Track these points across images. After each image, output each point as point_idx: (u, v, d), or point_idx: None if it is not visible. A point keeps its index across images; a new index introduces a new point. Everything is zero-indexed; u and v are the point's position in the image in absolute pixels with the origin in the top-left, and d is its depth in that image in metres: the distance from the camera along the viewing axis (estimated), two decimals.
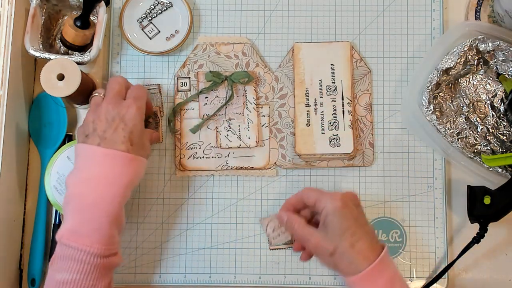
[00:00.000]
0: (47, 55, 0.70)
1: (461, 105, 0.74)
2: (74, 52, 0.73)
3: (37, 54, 0.70)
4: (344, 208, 0.62)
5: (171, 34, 0.76)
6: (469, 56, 0.72)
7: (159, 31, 0.76)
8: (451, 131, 0.73)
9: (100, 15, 0.71)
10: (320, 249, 0.61)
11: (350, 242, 0.60)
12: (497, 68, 0.73)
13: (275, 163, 0.74)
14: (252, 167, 0.74)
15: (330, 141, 0.73)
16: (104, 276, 0.60)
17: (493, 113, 0.74)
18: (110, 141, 0.62)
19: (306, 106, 0.74)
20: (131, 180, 0.62)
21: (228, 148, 0.74)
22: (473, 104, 0.74)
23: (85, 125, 0.64)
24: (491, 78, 0.74)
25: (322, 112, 0.74)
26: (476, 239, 0.68)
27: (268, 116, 0.75)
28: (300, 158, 0.74)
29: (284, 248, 0.73)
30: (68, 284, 0.58)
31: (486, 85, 0.74)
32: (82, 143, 0.63)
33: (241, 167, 0.74)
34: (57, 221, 0.73)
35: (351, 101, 0.74)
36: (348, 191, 0.65)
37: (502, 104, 0.74)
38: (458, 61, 0.72)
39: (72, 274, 0.58)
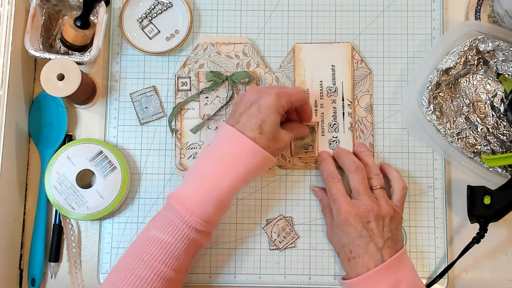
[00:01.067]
0: (47, 55, 0.70)
1: (461, 105, 0.74)
2: (74, 52, 0.73)
3: (37, 54, 0.70)
4: (346, 225, 0.65)
5: (171, 34, 0.76)
6: (469, 56, 0.72)
7: (159, 31, 0.76)
8: (451, 131, 0.73)
9: (100, 15, 0.71)
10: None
11: (347, 257, 0.65)
12: (497, 68, 0.73)
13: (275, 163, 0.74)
14: None
15: (330, 144, 0.74)
16: (190, 251, 0.61)
17: (493, 113, 0.74)
18: (242, 125, 0.62)
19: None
20: (249, 170, 0.62)
21: None
22: (473, 104, 0.74)
23: (233, 106, 0.66)
24: (491, 78, 0.74)
25: (322, 113, 0.74)
26: (476, 239, 0.68)
27: None
28: (300, 159, 0.74)
29: (291, 248, 0.73)
30: (158, 243, 0.60)
31: (486, 85, 0.74)
32: (224, 121, 0.65)
33: None
34: (57, 221, 0.73)
35: (351, 102, 0.74)
36: (366, 203, 0.65)
37: (502, 104, 0.74)
38: (458, 61, 0.72)
39: (165, 235, 0.60)
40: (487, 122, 0.74)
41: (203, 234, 0.62)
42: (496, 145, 0.73)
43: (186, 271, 0.64)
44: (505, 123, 0.73)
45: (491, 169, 0.70)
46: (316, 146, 0.73)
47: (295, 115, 0.71)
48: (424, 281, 0.71)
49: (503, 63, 0.72)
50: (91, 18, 0.73)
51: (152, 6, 0.76)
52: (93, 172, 0.71)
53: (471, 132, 0.73)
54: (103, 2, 0.72)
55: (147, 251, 0.60)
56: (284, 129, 0.67)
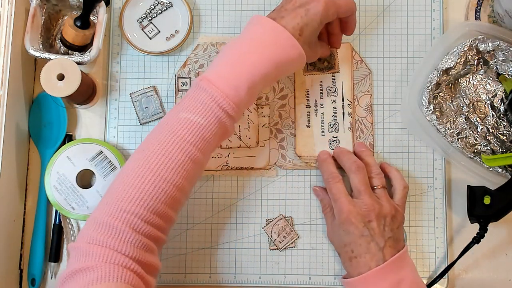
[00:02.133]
0: (47, 55, 0.70)
1: (461, 105, 0.74)
2: (74, 52, 0.73)
3: (37, 54, 0.70)
4: (347, 224, 0.65)
5: (171, 34, 0.76)
6: (469, 56, 0.72)
7: (159, 31, 0.76)
8: (451, 131, 0.73)
9: (100, 15, 0.71)
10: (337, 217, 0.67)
11: (349, 256, 0.65)
12: (497, 68, 0.73)
13: (275, 163, 0.74)
14: (252, 168, 0.74)
15: (330, 143, 0.74)
16: (218, 136, 0.60)
17: (493, 113, 0.74)
18: (285, 22, 0.61)
19: (307, 107, 0.74)
20: (283, 61, 0.61)
21: (228, 148, 0.74)
22: (473, 104, 0.74)
23: (282, 2, 0.65)
24: (491, 78, 0.74)
25: (322, 113, 0.74)
26: (476, 239, 0.68)
27: (269, 116, 0.75)
28: (300, 159, 0.74)
29: (291, 248, 0.73)
30: (190, 124, 0.58)
31: (486, 85, 0.74)
32: (266, 16, 0.64)
33: (241, 167, 0.74)
34: (57, 221, 0.73)
35: (351, 102, 0.74)
36: (368, 203, 0.65)
37: (502, 104, 0.74)
38: (458, 61, 0.72)
39: (197, 117, 0.58)
40: (487, 122, 0.74)
41: (232, 120, 0.60)
42: (496, 145, 0.73)
43: (210, 156, 0.62)
44: (505, 123, 0.73)
45: (491, 169, 0.70)
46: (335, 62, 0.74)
47: (338, 26, 0.69)
48: (424, 281, 0.71)
49: (503, 63, 0.72)
50: (91, 18, 0.73)
51: (152, 6, 0.76)
52: (93, 172, 0.71)
53: (471, 132, 0.73)
54: (103, 2, 0.72)
55: (177, 131, 0.58)
56: (322, 43, 0.68)
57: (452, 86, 0.74)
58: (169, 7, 0.76)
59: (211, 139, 0.59)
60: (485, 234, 0.68)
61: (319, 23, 0.63)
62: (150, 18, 0.76)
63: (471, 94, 0.74)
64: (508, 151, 0.72)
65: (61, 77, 0.67)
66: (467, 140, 0.73)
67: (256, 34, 0.62)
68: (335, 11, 0.64)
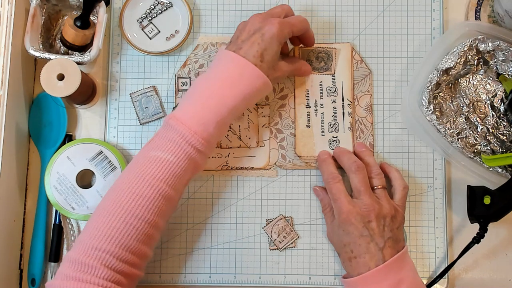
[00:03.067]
0: (47, 55, 0.70)
1: (461, 105, 0.74)
2: (74, 52, 0.73)
3: (37, 54, 0.70)
4: (347, 224, 0.65)
5: (171, 34, 0.76)
6: (469, 56, 0.72)
7: (159, 31, 0.76)
8: (451, 131, 0.73)
9: (100, 15, 0.71)
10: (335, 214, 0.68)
11: (348, 256, 0.65)
12: (497, 68, 0.73)
13: (275, 163, 0.74)
14: (252, 168, 0.74)
15: (330, 143, 0.74)
16: (189, 171, 0.62)
17: (493, 113, 0.74)
18: (244, 52, 0.64)
19: (307, 107, 0.74)
20: (249, 93, 0.63)
21: (228, 148, 0.74)
22: (473, 104, 0.74)
23: (235, 31, 0.67)
24: (491, 78, 0.74)
25: (322, 113, 0.74)
26: (476, 239, 0.68)
27: (269, 116, 0.75)
28: (300, 159, 0.74)
29: (291, 248, 0.73)
30: (160, 162, 0.60)
31: (486, 85, 0.74)
32: (225, 48, 0.66)
33: (241, 167, 0.74)
34: (57, 221, 0.73)
35: (351, 102, 0.74)
36: (367, 203, 0.65)
37: (502, 104, 0.74)
38: (458, 61, 0.72)
39: (167, 155, 0.60)
40: (487, 122, 0.74)
41: (202, 155, 0.62)
42: (496, 145, 0.73)
43: (182, 192, 0.64)
44: (505, 123, 0.73)
45: (491, 169, 0.70)
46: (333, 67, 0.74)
47: (297, 40, 0.73)
48: (424, 281, 0.71)
49: (503, 63, 0.72)
50: (91, 18, 0.73)
51: (152, 6, 0.76)
52: (93, 172, 0.71)
53: (471, 132, 0.73)
54: (103, 2, 0.72)
55: (147, 170, 0.60)
56: (286, 59, 0.69)
57: (452, 86, 0.75)
58: (169, 7, 0.76)
59: (182, 175, 0.61)
60: (485, 234, 0.68)
61: (277, 45, 0.65)
62: (150, 18, 0.76)
63: (471, 94, 0.74)
64: (508, 151, 0.72)
65: (61, 77, 0.67)
66: (467, 140, 0.73)
67: (222, 70, 0.64)
68: (290, 30, 0.66)
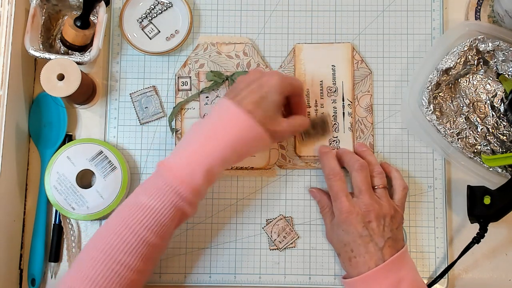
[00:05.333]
0: (47, 55, 0.70)
1: (461, 105, 0.74)
2: (74, 52, 0.73)
3: (37, 54, 0.70)
4: (347, 224, 0.65)
5: (171, 34, 0.76)
6: (469, 56, 0.72)
7: (159, 31, 0.76)
8: (451, 131, 0.73)
9: (100, 15, 0.71)
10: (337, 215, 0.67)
11: (348, 256, 0.65)
12: (497, 68, 0.73)
13: (275, 163, 0.74)
14: (252, 167, 0.74)
15: (330, 143, 0.74)
16: (176, 219, 0.61)
17: (493, 113, 0.74)
18: (240, 99, 0.62)
19: (307, 107, 0.74)
20: (239, 144, 0.61)
21: None
22: (473, 104, 0.74)
23: (234, 83, 0.66)
24: (491, 78, 0.74)
25: (322, 113, 0.74)
26: (476, 239, 0.68)
27: None
28: (300, 159, 0.74)
29: (291, 248, 0.73)
30: (145, 209, 0.59)
31: (486, 85, 0.74)
32: (223, 97, 0.65)
33: (241, 167, 0.74)
34: (57, 221, 0.73)
35: (351, 102, 0.74)
36: (367, 202, 0.65)
37: (502, 104, 0.74)
38: (458, 61, 0.72)
39: (153, 202, 0.60)
40: (487, 122, 0.74)
41: (190, 204, 0.61)
42: (496, 145, 0.73)
43: (170, 238, 0.63)
44: (505, 123, 0.73)
45: (491, 169, 0.70)
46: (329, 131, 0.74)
47: (289, 108, 0.70)
48: (424, 281, 0.71)
49: (503, 63, 0.72)
50: (91, 18, 0.73)
51: (152, 6, 0.76)
52: (93, 172, 0.71)
53: (471, 132, 0.73)
54: (103, 2, 0.72)
55: (133, 216, 0.59)
56: (287, 118, 0.66)
57: (452, 86, 0.75)
58: (169, 7, 0.76)
59: (167, 223, 0.60)
60: (485, 234, 0.68)
61: (277, 95, 0.63)
62: (150, 18, 0.76)
63: (471, 94, 0.74)
64: (508, 151, 0.72)
65: (61, 77, 0.67)
66: (467, 140, 0.73)
67: (215, 117, 0.63)
68: (289, 83, 0.65)
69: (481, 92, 0.74)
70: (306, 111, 0.71)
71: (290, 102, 0.69)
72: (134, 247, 0.58)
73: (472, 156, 0.70)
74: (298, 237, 0.73)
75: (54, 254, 0.73)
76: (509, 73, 0.72)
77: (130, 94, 0.75)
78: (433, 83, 0.71)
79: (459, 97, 0.74)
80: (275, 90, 0.63)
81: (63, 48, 0.75)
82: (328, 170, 0.69)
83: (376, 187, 0.68)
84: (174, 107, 0.74)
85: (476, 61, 0.73)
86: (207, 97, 0.74)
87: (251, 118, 0.61)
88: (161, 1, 0.76)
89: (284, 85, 0.64)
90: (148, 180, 0.62)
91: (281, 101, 0.64)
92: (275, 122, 0.64)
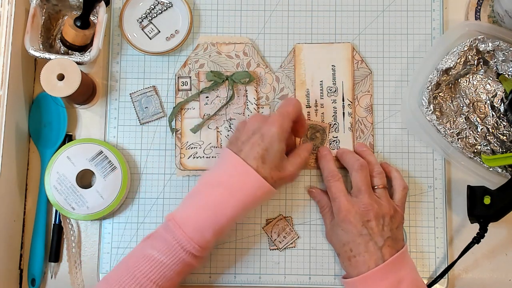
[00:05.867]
0: (47, 55, 0.70)
1: (461, 105, 0.74)
2: (74, 52, 0.73)
3: (37, 54, 0.70)
4: (346, 223, 0.65)
5: (171, 34, 0.76)
6: (469, 56, 0.72)
7: (159, 31, 0.76)
8: (451, 131, 0.73)
9: (100, 15, 0.71)
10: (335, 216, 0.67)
11: (348, 256, 0.65)
12: (497, 68, 0.73)
13: None
14: None
15: (330, 143, 0.74)
16: (182, 273, 0.62)
17: (493, 113, 0.74)
18: (245, 154, 0.62)
19: (307, 107, 0.74)
20: (251, 202, 0.62)
21: None
22: (473, 104, 0.74)
23: (235, 132, 0.66)
24: (491, 78, 0.74)
25: (322, 113, 0.74)
26: (476, 239, 0.68)
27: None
28: None
29: (291, 248, 0.73)
30: (152, 262, 0.60)
31: (486, 85, 0.74)
32: (227, 147, 0.64)
33: None
34: (57, 221, 0.73)
35: (351, 102, 0.74)
36: (366, 202, 0.65)
37: (502, 104, 0.74)
38: (458, 61, 0.72)
39: (161, 255, 0.60)
40: (487, 122, 0.74)
41: (197, 258, 0.62)
42: (496, 145, 0.73)
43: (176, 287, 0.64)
44: (505, 123, 0.73)
45: (491, 169, 0.70)
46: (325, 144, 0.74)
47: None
48: (424, 281, 0.71)
49: (503, 63, 0.72)
50: (91, 18, 0.73)
51: (152, 6, 0.76)
52: (93, 172, 0.71)
53: (471, 132, 0.73)
54: (103, 2, 0.72)
55: (140, 267, 0.60)
56: (291, 159, 0.66)
57: (452, 86, 0.75)
58: (169, 7, 0.76)
59: (173, 277, 0.61)
60: (485, 234, 0.68)
61: (279, 143, 0.63)
62: (150, 18, 0.76)
63: (471, 94, 0.74)
64: (508, 151, 0.72)
65: (61, 77, 0.67)
66: (467, 140, 0.73)
67: (224, 175, 0.63)
68: (289, 122, 0.64)
69: (481, 92, 0.74)
70: (306, 127, 0.71)
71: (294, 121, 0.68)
72: None
73: (472, 156, 0.70)
74: (298, 237, 0.73)
75: (54, 254, 0.73)
76: (509, 73, 0.72)
77: (130, 94, 0.75)
78: (433, 83, 0.71)
79: (459, 97, 0.74)
80: (278, 138, 0.63)
81: (63, 48, 0.75)
82: (327, 172, 0.69)
83: (376, 187, 0.68)
84: (174, 107, 0.74)
85: (476, 61, 0.73)
86: (207, 97, 0.74)
87: (260, 177, 0.61)
88: (161, 1, 0.76)
89: (286, 128, 0.64)
90: (156, 232, 0.63)
91: (284, 147, 0.64)
92: (282, 170, 0.64)
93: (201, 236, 0.61)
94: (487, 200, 0.67)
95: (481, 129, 0.73)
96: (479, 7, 0.76)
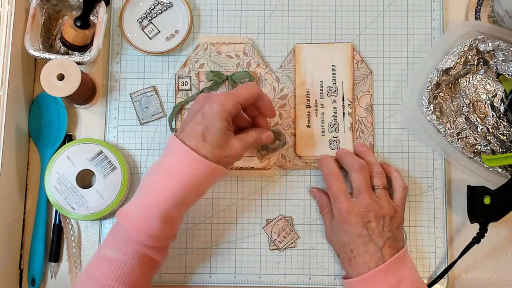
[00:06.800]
0: (47, 55, 0.70)
1: (461, 105, 0.74)
2: (74, 52, 0.73)
3: (37, 54, 0.70)
4: (346, 224, 0.65)
5: (171, 34, 0.76)
6: (469, 56, 0.72)
7: (159, 31, 0.76)
8: (451, 131, 0.73)
9: (100, 15, 0.71)
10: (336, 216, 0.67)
11: (348, 256, 0.65)
12: (497, 68, 0.73)
13: (275, 163, 0.74)
14: (252, 168, 0.74)
15: (330, 143, 0.74)
16: (144, 266, 0.60)
17: (493, 113, 0.74)
18: (185, 134, 0.60)
19: (307, 107, 0.74)
20: (192, 182, 0.59)
21: None
22: (473, 104, 0.74)
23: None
24: (491, 78, 0.74)
25: (322, 113, 0.74)
26: (476, 239, 0.68)
27: None
28: (300, 159, 0.74)
29: (291, 248, 0.73)
30: (109, 261, 0.59)
31: (486, 85, 0.74)
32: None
33: (241, 167, 0.74)
34: (57, 221, 0.73)
35: (351, 102, 0.74)
36: (367, 203, 0.65)
37: (502, 104, 0.74)
38: (458, 61, 0.72)
39: (115, 253, 0.59)
40: (487, 122, 0.74)
41: (154, 249, 0.60)
42: (496, 145, 0.73)
43: (147, 285, 0.62)
44: (505, 123, 0.73)
45: (491, 169, 0.70)
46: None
47: (254, 110, 0.67)
48: (424, 281, 0.71)
49: (503, 63, 0.72)
50: (91, 18, 0.73)
51: (152, 6, 0.76)
52: (93, 172, 0.71)
53: (471, 132, 0.73)
54: (103, 2, 0.72)
55: (100, 269, 0.59)
56: (238, 136, 0.63)
57: (452, 86, 0.75)
58: (169, 7, 0.76)
59: (135, 271, 0.59)
60: (485, 234, 0.68)
61: (220, 121, 0.60)
62: (150, 18, 0.76)
63: (471, 94, 0.74)
64: (508, 151, 0.72)
65: (61, 77, 0.67)
66: (467, 140, 0.73)
67: (165, 159, 0.61)
68: (234, 102, 0.61)
69: (481, 92, 0.74)
70: (273, 110, 0.66)
71: (256, 106, 0.65)
72: None
73: (472, 156, 0.70)
74: (298, 237, 0.73)
75: (54, 254, 0.73)
76: (509, 73, 0.72)
77: (130, 94, 0.75)
78: (433, 83, 0.71)
79: (459, 97, 0.74)
80: (219, 117, 0.60)
81: (63, 48, 0.75)
82: (326, 170, 0.69)
83: (376, 187, 0.68)
84: (174, 107, 0.74)
85: (476, 61, 0.73)
86: None
87: (197, 155, 0.59)
88: (161, 1, 0.76)
89: (229, 107, 0.60)
90: (110, 231, 0.62)
91: (227, 126, 0.61)
92: (226, 147, 0.61)
93: (148, 225, 0.59)
94: (487, 200, 0.67)
95: (481, 129, 0.73)
96: (479, 7, 0.76)
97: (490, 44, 0.71)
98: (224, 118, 0.60)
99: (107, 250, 0.60)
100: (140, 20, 0.76)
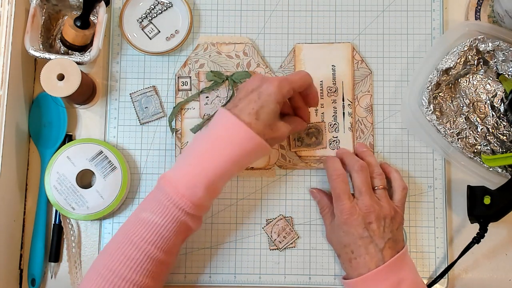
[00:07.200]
0: (47, 55, 0.70)
1: (461, 105, 0.74)
2: (74, 52, 0.73)
3: (37, 54, 0.70)
4: (347, 225, 0.65)
5: (171, 34, 0.76)
6: (469, 56, 0.72)
7: (159, 31, 0.76)
8: (451, 131, 0.73)
9: (100, 15, 0.71)
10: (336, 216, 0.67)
11: (349, 257, 0.65)
12: (497, 68, 0.73)
13: (275, 163, 0.74)
14: (252, 168, 0.74)
15: (330, 144, 0.74)
16: (180, 234, 0.61)
17: (493, 113, 0.74)
18: (239, 110, 0.62)
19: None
20: (240, 156, 0.61)
21: None
22: (473, 104, 0.74)
23: (237, 93, 0.66)
24: (491, 78, 0.74)
25: (322, 113, 0.74)
26: (476, 239, 0.68)
27: None
28: (300, 159, 0.74)
29: (291, 248, 0.73)
30: (148, 224, 0.60)
31: (486, 85, 0.74)
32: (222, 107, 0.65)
33: None
34: (57, 221, 0.73)
35: (351, 102, 0.74)
36: (368, 204, 0.65)
37: (502, 104, 0.74)
38: (458, 61, 0.72)
39: (155, 217, 0.60)
40: (487, 122, 0.74)
41: (193, 218, 0.61)
42: (496, 145, 0.73)
43: (177, 253, 0.63)
44: (505, 123, 0.73)
45: (491, 169, 0.70)
46: (324, 141, 0.73)
47: (300, 100, 0.69)
48: (424, 281, 0.71)
49: (503, 63, 0.72)
50: (91, 18, 0.73)
51: (152, 6, 0.76)
52: (93, 172, 0.71)
53: (471, 132, 0.73)
54: (103, 2, 0.72)
55: (136, 232, 0.60)
56: (285, 120, 0.66)
57: (452, 86, 0.75)
58: (169, 7, 0.76)
59: (172, 237, 0.60)
60: (485, 234, 0.68)
61: (274, 103, 0.62)
62: (150, 18, 0.76)
63: (471, 94, 0.74)
64: (508, 151, 0.72)
65: (61, 77, 0.67)
66: (467, 140, 0.73)
67: (215, 130, 0.62)
68: (290, 88, 0.63)
69: (481, 92, 0.74)
70: (317, 99, 0.69)
71: (302, 94, 0.68)
72: (139, 264, 0.59)
73: (472, 156, 0.70)
74: (298, 237, 0.73)
75: (54, 254, 0.73)
76: (509, 73, 0.72)
77: (130, 94, 0.75)
78: (433, 83, 0.71)
79: (459, 97, 0.74)
80: (274, 98, 0.62)
81: (63, 48, 0.75)
82: (332, 170, 0.69)
83: (376, 188, 0.68)
84: (174, 107, 0.74)
85: (476, 61, 0.73)
86: (207, 97, 0.74)
87: (250, 130, 0.61)
88: (161, 1, 0.76)
89: (284, 91, 0.63)
90: (150, 194, 0.63)
91: (279, 109, 0.63)
92: (274, 128, 0.63)
93: (193, 193, 0.60)
94: (487, 200, 0.67)
95: (481, 129, 0.73)
96: (479, 7, 0.76)
97: (490, 44, 0.71)
98: (278, 101, 0.62)
99: (148, 214, 0.60)
100: (140, 20, 0.76)
